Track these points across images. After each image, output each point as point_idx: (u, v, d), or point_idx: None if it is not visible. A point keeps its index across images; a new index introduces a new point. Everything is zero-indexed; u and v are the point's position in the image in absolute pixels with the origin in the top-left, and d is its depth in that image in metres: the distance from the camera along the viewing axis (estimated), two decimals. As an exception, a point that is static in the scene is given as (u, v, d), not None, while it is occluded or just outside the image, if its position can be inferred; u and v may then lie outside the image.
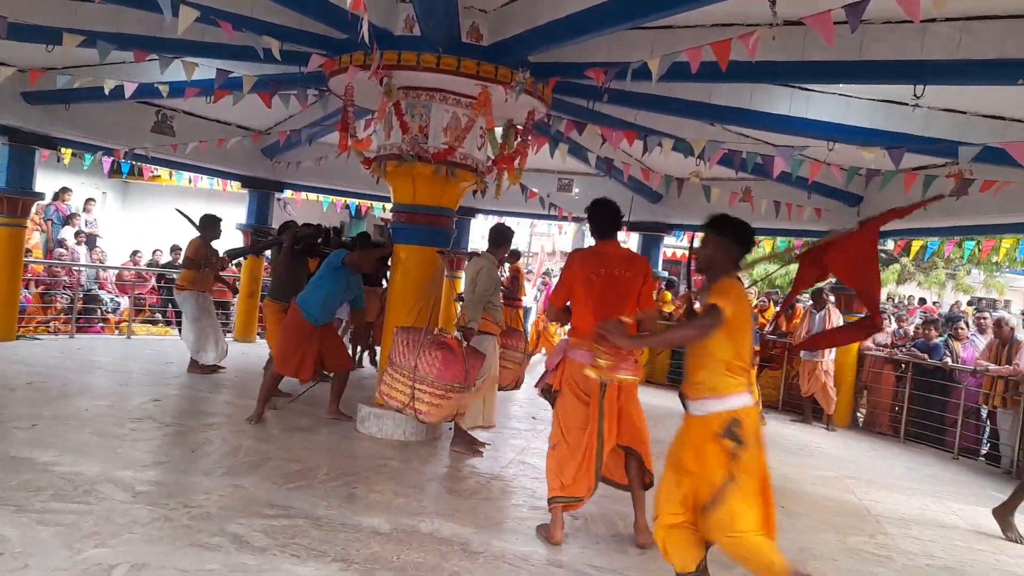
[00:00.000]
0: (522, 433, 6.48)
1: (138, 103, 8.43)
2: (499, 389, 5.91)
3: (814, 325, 8.65)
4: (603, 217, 3.99)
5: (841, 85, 5.78)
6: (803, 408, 8.99)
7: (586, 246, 4.14)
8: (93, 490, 3.82)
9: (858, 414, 9.40)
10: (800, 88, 6.02)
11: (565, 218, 10.56)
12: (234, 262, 12.04)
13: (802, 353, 8.75)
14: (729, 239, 3.08)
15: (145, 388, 6.64)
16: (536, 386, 4.34)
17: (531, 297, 14.88)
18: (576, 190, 10.74)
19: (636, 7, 4.32)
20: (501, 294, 5.77)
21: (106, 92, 6.20)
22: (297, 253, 6.66)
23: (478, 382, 5.05)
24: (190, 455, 4.70)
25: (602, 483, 3.94)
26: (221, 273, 7.98)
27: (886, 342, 9.21)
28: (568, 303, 3.91)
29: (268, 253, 9.50)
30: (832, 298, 8.98)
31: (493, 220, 12.19)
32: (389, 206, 11.66)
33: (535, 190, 9.36)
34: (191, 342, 7.42)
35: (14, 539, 3.14)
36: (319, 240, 7.00)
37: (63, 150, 9.25)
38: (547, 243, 27.61)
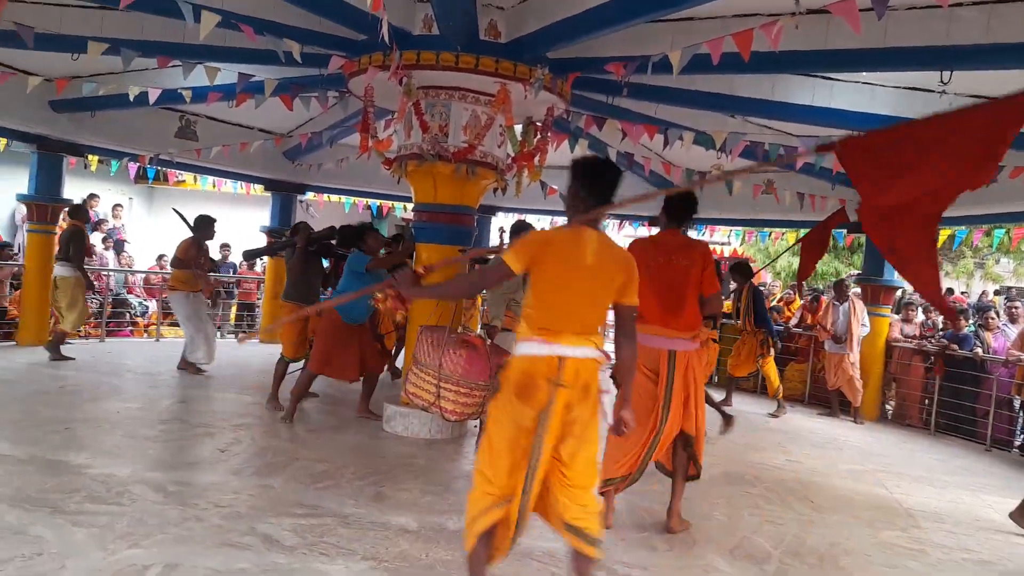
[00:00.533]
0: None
1: (162, 109, 8.54)
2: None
3: (838, 318, 8.53)
4: (680, 207, 4.03)
5: (865, 73, 5.69)
6: (830, 401, 8.88)
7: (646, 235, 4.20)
8: (126, 491, 3.89)
9: (887, 407, 9.26)
10: (823, 77, 5.94)
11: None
12: (259, 263, 12.21)
13: (827, 345, 8.64)
14: (576, 184, 2.84)
15: (174, 390, 6.73)
16: (611, 375, 4.42)
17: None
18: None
19: (655, 0, 4.28)
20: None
21: (130, 98, 6.30)
22: (311, 254, 6.58)
23: (503, 379, 5.05)
24: (219, 455, 4.75)
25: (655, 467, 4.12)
26: (213, 273, 8.10)
27: (914, 333, 9.07)
28: None
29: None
30: (858, 289, 8.86)
31: (513, 218, 12.20)
32: (410, 206, 11.72)
33: (555, 187, 9.34)
34: (187, 344, 7.54)
35: (51, 540, 3.20)
36: (332, 240, 6.95)
37: (90, 157, 9.40)
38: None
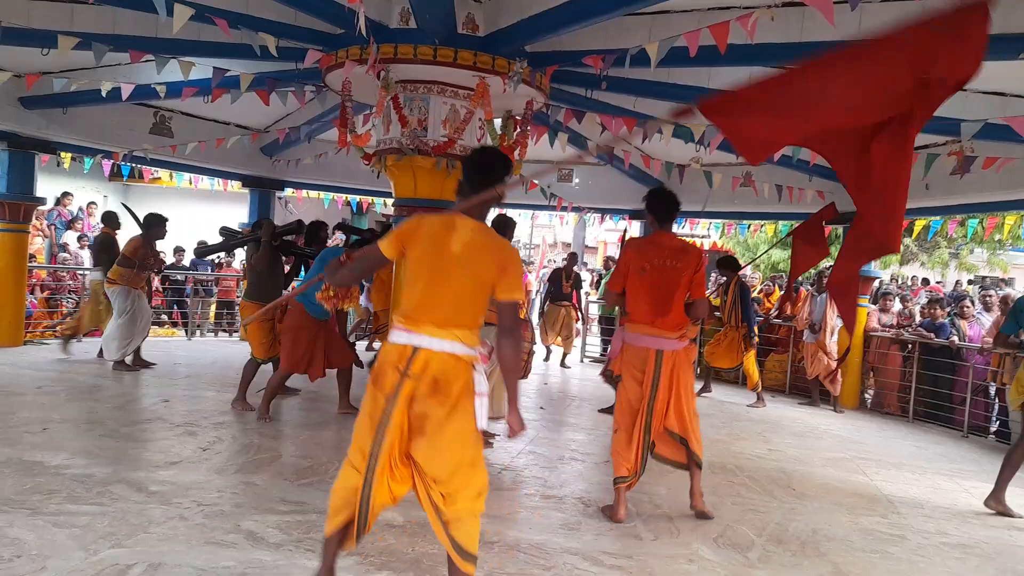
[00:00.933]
0: (531, 423, 6.49)
1: (136, 105, 8.42)
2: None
3: (815, 308, 8.63)
4: (661, 206, 4.10)
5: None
6: (810, 391, 8.98)
7: (640, 235, 4.33)
8: (107, 491, 3.84)
9: (866, 395, 9.39)
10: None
11: (565, 208, 10.55)
12: (237, 260, 12.09)
13: (805, 335, 8.74)
14: (465, 172, 2.82)
15: (154, 389, 6.65)
16: (600, 374, 4.53)
17: (533, 289, 14.88)
18: (576, 180, 10.73)
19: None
20: None
21: (103, 94, 6.21)
22: (275, 250, 6.23)
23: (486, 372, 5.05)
24: (201, 454, 4.71)
25: (659, 462, 4.25)
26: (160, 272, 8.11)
27: (892, 323, 9.19)
28: (623, 289, 4.08)
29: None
30: None
31: (493, 212, 12.19)
32: (390, 201, 11.68)
33: (536, 181, 9.35)
34: (108, 333, 7.38)
35: (30, 541, 3.16)
36: (296, 236, 6.63)
37: (62, 154, 9.25)
38: (548, 234, 27.61)
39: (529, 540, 3.67)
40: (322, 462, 4.71)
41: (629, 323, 4.08)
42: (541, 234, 27.37)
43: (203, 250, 7.64)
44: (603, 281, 12.90)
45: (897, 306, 9.65)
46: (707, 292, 4.35)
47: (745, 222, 11.35)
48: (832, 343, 8.48)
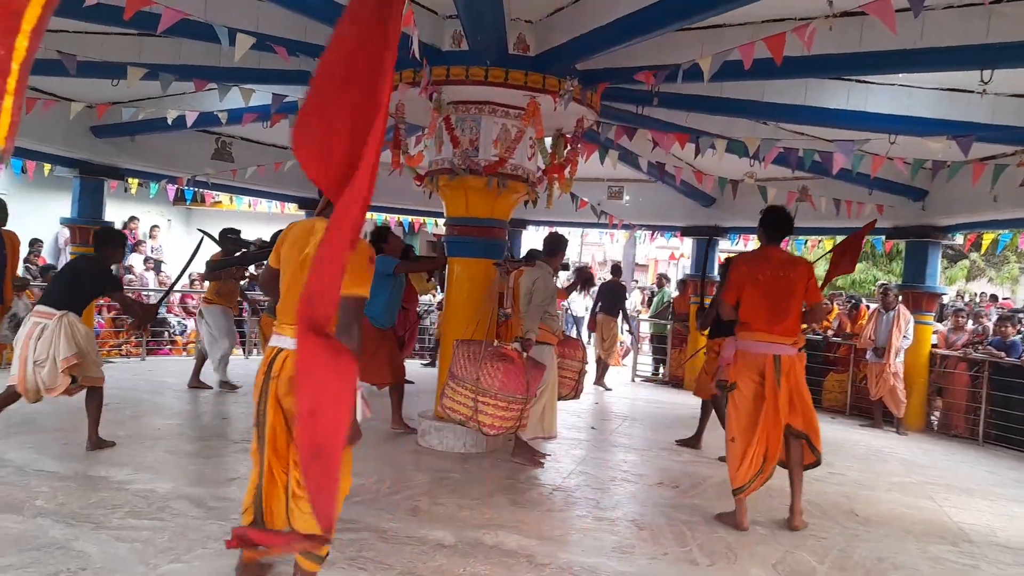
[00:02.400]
0: (582, 443, 6.42)
1: (198, 132, 8.73)
2: (559, 399, 5.88)
3: (881, 327, 8.32)
4: (775, 224, 4.43)
5: (902, 75, 5.59)
6: (872, 412, 8.66)
7: (750, 249, 4.61)
8: (167, 506, 3.93)
9: (932, 417, 9.01)
10: (857, 80, 5.85)
11: (616, 226, 10.48)
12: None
13: (868, 355, 8.44)
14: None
15: (213, 406, 6.82)
16: (711, 383, 5.00)
17: (581, 307, 14.79)
18: (627, 197, 10.66)
19: (685, 8, 4.25)
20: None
21: (169, 122, 6.45)
22: None
23: (538, 392, 5.03)
24: (258, 471, 4.79)
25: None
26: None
27: (962, 340, 8.82)
28: (736, 301, 4.35)
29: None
30: (900, 297, 8.62)
31: (544, 231, 12.19)
32: (441, 221, 11.79)
33: (586, 199, 9.32)
34: (219, 355, 7.53)
35: (94, 555, 3.25)
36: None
37: (130, 180, 9.64)
38: (598, 252, 27.46)
39: (581, 563, 3.61)
40: (375, 480, 4.74)
41: (744, 331, 4.33)
42: (590, 252, 27.26)
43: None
44: (656, 299, 12.75)
45: (970, 324, 9.25)
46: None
47: (802, 238, 11.07)
48: (898, 363, 8.16)
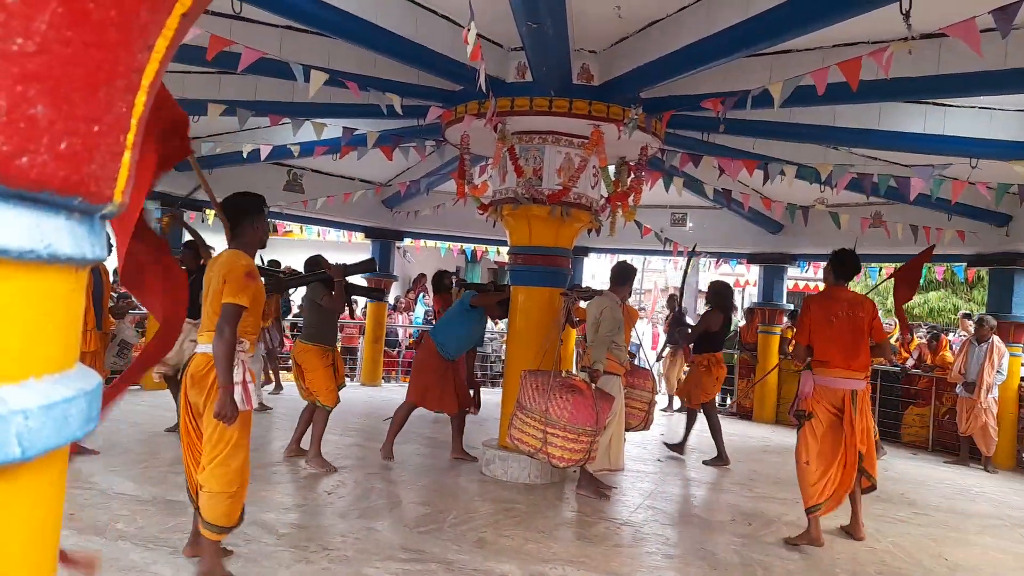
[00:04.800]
0: (649, 476, 6.28)
1: (271, 164, 9.06)
2: (627, 430, 5.79)
3: (972, 360, 7.86)
4: (844, 265, 4.73)
5: (983, 97, 5.37)
6: (957, 448, 8.21)
7: (820, 291, 4.97)
8: (241, 532, 4.00)
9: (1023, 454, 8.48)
10: (934, 103, 5.64)
11: (680, 253, 10.33)
12: (358, 307, 12.60)
13: (958, 389, 8.00)
14: (228, 212, 3.43)
15: (283, 432, 6.95)
16: (790, 412, 5.32)
17: (643, 335, 14.58)
18: (690, 224, 10.51)
19: (752, 35, 4.19)
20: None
21: (244, 155, 6.71)
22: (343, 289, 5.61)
23: (606, 423, 4.96)
24: (326, 497, 4.85)
25: None
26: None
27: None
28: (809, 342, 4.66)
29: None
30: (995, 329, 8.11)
31: (606, 259, 12.12)
32: (504, 250, 11.85)
33: (649, 226, 9.23)
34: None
35: (172, 579, 3.33)
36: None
37: (207, 211, 10.05)
38: (660, 279, 27.10)
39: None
40: (439, 510, 4.73)
41: (821, 368, 4.61)
42: (652, 279, 26.92)
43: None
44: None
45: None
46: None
47: (875, 265, 10.68)
48: (991, 400, 7.70)
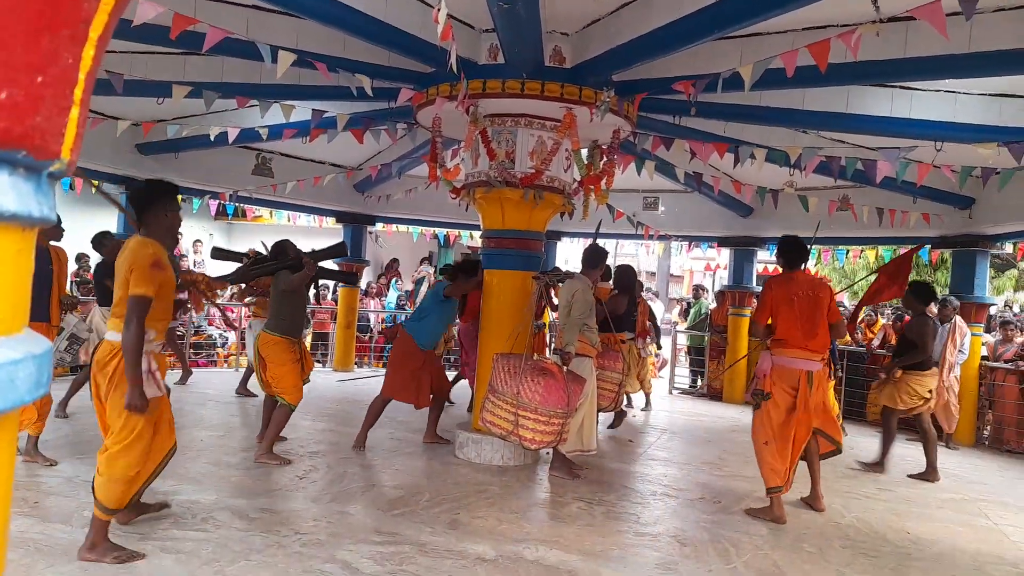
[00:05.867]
0: (621, 456, 6.34)
1: (239, 147, 8.90)
2: (598, 410, 5.83)
3: (936, 340, 8.03)
4: (792, 252, 4.84)
5: (948, 81, 5.46)
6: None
7: (778, 274, 5.05)
8: (210, 518, 3.97)
9: (983, 431, 8.71)
10: (901, 87, 5.72)
11: (652, 236, 10.39)
12: (329, 293, 12.49)
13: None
14: (135, 200, 3.41)
15: (254, 419, 6.89)
16: (746, 392, 5.50)
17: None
18: (662, 208, 10.57)
19: (724, 17, 4.20)
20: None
21: (211, 139, 6.59)
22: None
23: (577, 405, 4.99)
24: (298, 482, 4.82)
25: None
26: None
27: (1011, 352, 8.52)
28: (769, 321, 4.78)
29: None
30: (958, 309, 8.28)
31: (579, 242, 12.15)
32: (477, 234, 11.82)
33: (622, 210, 9.27)
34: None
35: (140, 566, 3.29)
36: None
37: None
38: (632, 264, 27.27)
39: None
40: (413, 493, 4.73)
41: (780, 348, 4.71)
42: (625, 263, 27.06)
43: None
44: (692, 311, 12.60)
45: (1021, 336, 8.94)
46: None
47: (843, 247, 10.85)
48: (953, 379, 7.88)
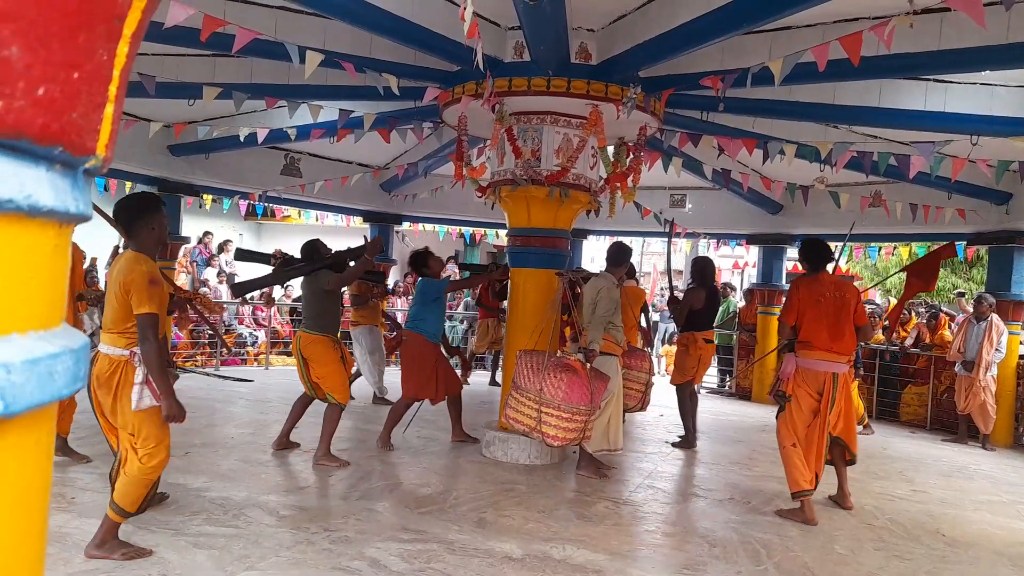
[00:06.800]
0: (649, 456, 6.30)
1: (268, 148, 9.00)
2: (625, 411, 5.79)
3: (971, 338, 7.86)
4: (815, 254, 4.78)
5: (985, 73, 5.33)
6: (956, 426, 8.23)
7: (805, 276, 4.92)
8: (242, 514, 4.02)
9: (1022, 432, 8.50)
10: (936, 80, 5.60)
11: (679, 234, 10.29)
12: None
13: (957, 368, 8.01)
14: (120, 215, 3.39)
15: (283, 416, 6.95)
16: (769, 393, 5.43)
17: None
18: (689, 205, 10.48)
19: (753, 11, 4.15)
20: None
21: (241, 139, 6.67)
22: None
23: (602, 404, 4.96)
24: (327, 480, 4.86)
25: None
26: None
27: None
28: (795, 322, 4.71)
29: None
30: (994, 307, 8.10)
31: (605, 241, 12.09)
32: (503, 232, 11.82)
33: (649, 208, 9.20)
34: (373, 375, 7.68)
35: (174, 561, 3.34)
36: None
37: (205, 196, 10.01)
38: (659, 262, 27.05)
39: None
40: (440, 491, 4.75)
41: (806, 350, 4.64)
42: (652, 262, 26.87)
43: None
44: (720, 309, 12.44)
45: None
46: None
47: (875, 245, 10.66)
48: (990, 378, 7.70)
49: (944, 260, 6.00)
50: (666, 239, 7.30)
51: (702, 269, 6.73)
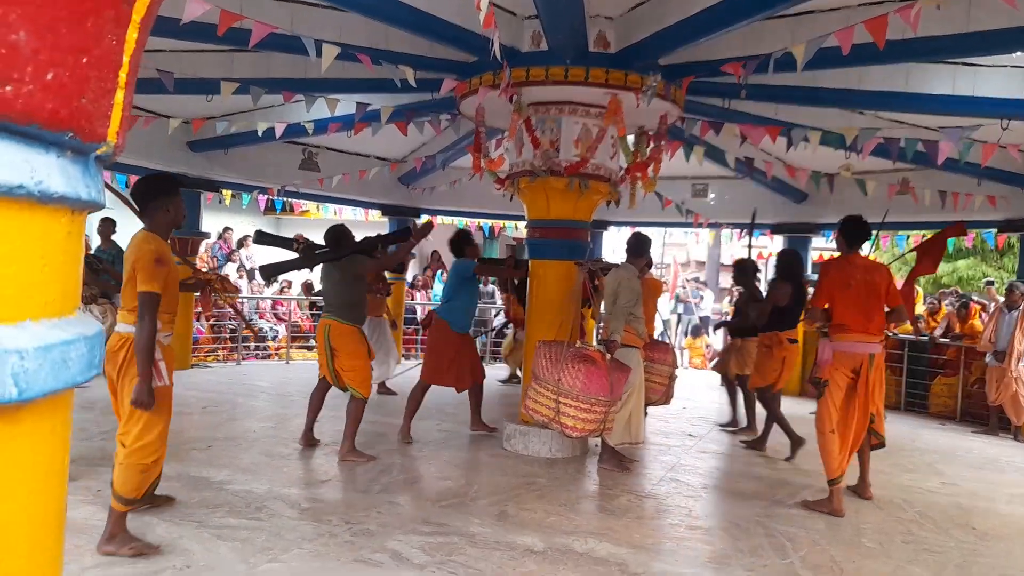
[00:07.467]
0: (672, 449, 6.25)
1: (286, 143, 9.03)
2: (648, 404, 5.75)
3: (1003, 328, 7.70)
4: (854, 232, 4.74)
5: (1016, 55, 5.19)
6: (987, 418, 8.08)
7: (836, 256, 4.96)
8: (264, 507, 4.04)
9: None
10: (964, 63, 5.47)
11: (701, 225, 10.19)
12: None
13: (988, 359, 7.85)
14: (136, 194, 3.43)
15: (304, 410, 6.99)
16: (808, 381, 5.24)
17: (667, 309, 14.46)
18: (712, 195, 10.36)
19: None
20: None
21: (259, 134, 6.69)
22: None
23: (623, 396, 4.92)
24: (348, 473, 4.87)
25: None
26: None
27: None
28: (826, 305, 4.69)
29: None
30: None
31: (626, 232, 12.00)
32: (522, 224, 11.78)
33: (670, 197, 9.11)
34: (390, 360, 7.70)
35: (198, 553, 3.36)
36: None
37: (224, 192, 10.07)
38: (680, 253, 26.84)
39: (677, 573, 3.48)
40: (461, 484, 4.74)
41: (840, 333, 4.60)
42: (672, 253, 26.69)
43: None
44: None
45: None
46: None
47: (903, 233, 10.47)
48: (1021, 368, 7.54)
49: (951, 238, 5.98)
50: (745, 229, 7.10)
51: (789, 262, 6.20)
